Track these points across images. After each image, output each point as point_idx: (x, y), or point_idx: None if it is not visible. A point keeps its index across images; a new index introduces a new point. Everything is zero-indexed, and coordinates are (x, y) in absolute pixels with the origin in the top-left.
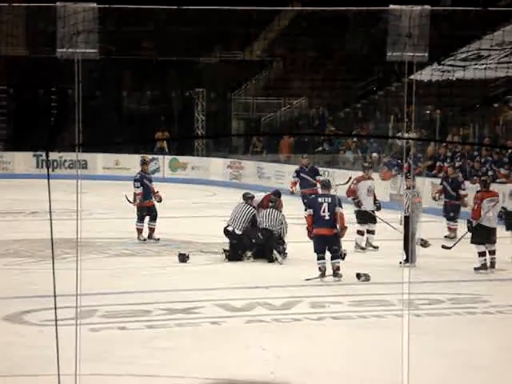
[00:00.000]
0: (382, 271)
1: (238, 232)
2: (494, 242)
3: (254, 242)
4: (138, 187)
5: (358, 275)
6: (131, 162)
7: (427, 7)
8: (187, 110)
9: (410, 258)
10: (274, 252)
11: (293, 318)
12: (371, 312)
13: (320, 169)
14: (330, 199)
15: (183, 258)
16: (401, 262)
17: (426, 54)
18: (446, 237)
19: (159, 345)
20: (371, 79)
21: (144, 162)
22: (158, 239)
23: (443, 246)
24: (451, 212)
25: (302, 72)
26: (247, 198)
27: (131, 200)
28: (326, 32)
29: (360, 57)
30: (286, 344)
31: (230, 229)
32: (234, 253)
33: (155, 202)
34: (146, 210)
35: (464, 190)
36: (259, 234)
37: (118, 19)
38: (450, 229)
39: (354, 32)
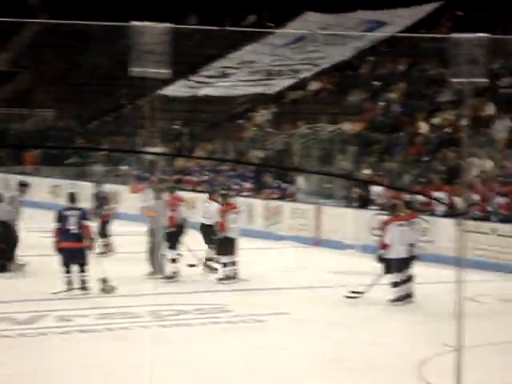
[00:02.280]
0: (130, 283)
1: None
2: (235, 253)
3: None
4: None
5: (102, 288)
6: None
7: (169, 25)
8: None
9: (156, 269)
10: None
11: (39, 333)
12: (118, 324)
13: (68, 182)
14: (77, 212)
15: None
16: (147, 274)
17: (169, 71)
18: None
19: None
20: (119, 93)
21: None
22: None
23: (189, 265)
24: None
25: (48, 84)
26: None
27: None
28: (72, 45)
29: (106, 71)
30: (31, 359)
31: None
32: None
33: None
34: None
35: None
36: None
37: None
38: (105, 245)
39: (98, 46)
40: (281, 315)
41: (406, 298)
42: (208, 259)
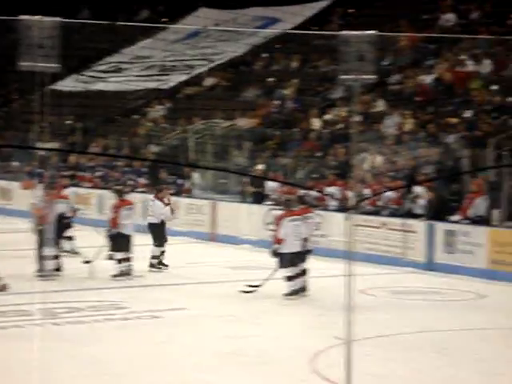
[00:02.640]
0: (21, 280)
1: None
2: (131, 250)
3: None
4: None
5: None
6: None
7: (58, 19)
8: None
9: (42, 266)
10: None
11: None
12: (10, 322)
13: None
14: None
15: None
16: (36, 271)
17: (58, 65)
18: None
19: None
20: (9, 88)
21: None
22: None
23: (85, 261)
24: None
25: None
26: None
27: None
28: None
29: None
30: None
31: None
32: None
33: None
34: None
35: None
36: None
37: None
38: None
39: None
40: (177, 311)
41: (300, 291)
42: (154, 257)
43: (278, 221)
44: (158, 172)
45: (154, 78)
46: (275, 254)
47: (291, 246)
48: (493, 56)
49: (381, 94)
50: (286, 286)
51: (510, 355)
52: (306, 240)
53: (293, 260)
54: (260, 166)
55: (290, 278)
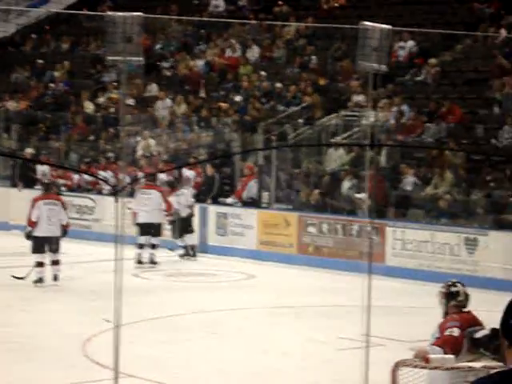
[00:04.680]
0: None
1: None
2: None
3: None
4: None
5: None
6: None
7: None
8: None
9: None
10: None
11: None
12: None
13: None
14: None
15: None
16: None
17: None
18: None
19: None
20: None
21: None
22: None
23: None
24: None
25: None
26: None
27: None
28: None
29: None
30: None
31: None
32: None
33: None
34: None
35: None
36: None
37: None
38: None
39: None
40: None
41: (52, 279)
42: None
43: (32, 203)
44: None
45: None
46: (28, 237)
47: (44, 230)
48: (260, 42)
49: (153, 77)
50: (35, 272)
51: (274, 333)
52: (67, 226)
53: (46, 244)
54: (30, 150)
55: (39, 264)
